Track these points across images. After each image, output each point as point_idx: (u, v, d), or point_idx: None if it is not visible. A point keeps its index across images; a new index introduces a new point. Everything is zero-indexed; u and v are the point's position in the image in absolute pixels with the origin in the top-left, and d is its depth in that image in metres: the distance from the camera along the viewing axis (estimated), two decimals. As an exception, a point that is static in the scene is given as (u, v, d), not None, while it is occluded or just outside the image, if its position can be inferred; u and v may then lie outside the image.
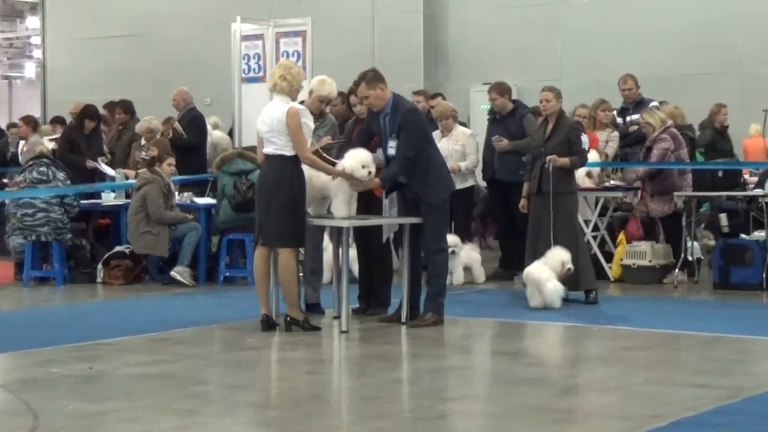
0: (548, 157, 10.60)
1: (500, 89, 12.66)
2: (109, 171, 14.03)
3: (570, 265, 10.32)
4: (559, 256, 10.33)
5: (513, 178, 12.10)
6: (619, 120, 13.52)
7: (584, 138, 11.19)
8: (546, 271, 10.29)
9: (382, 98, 9.40)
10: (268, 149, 9.09)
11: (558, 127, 10.78)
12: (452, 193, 10.70)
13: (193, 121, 14.37)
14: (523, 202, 11.15)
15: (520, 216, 11.60)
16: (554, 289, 10.25)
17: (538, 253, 10.65)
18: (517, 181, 11.85)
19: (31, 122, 16.70)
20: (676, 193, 12.11)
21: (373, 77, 9.45)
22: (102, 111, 15.66)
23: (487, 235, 15.44)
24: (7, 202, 12.89)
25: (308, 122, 9.08)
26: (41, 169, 12.56)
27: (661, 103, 13.39)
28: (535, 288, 10.29)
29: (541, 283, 10.25)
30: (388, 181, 9.40)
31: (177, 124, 14.19)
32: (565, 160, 10.64)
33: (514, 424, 6.23)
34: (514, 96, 13.30)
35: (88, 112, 14.35)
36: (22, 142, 16.16)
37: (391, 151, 9.36)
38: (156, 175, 12.33)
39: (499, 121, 12.67)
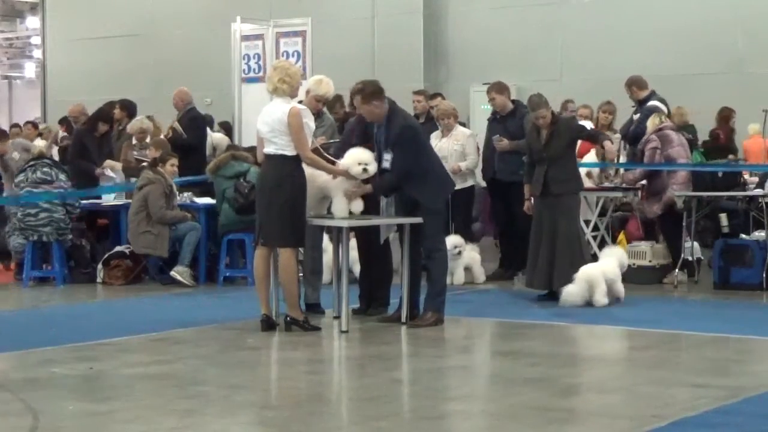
0: (606, 151, 10.85)
1: (498, 87, 12.67)
2: (117, 178, 13.95)
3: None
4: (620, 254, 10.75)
5: (513, 177, 12.09)
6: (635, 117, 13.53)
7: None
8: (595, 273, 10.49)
9: (377, 114, 9.36)
10: (269, 149, 9.09)
11: (556, 132, 10.77)
12: (452, 193, 10.73)
13: (193, 122, 14.35)
14: (527, 204, 11.16)
15: (521, 216, 11.60)
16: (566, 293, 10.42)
17: (540, 255, 10.63)
18: (517, 180, 11.85)
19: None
20: (676, 194, 12.11)
21: (370, 93, 9.37)
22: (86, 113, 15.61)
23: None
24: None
25: (309, 122, 9.08)
26: (45, 169, 12.57)
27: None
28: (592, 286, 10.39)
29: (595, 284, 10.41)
30: (382, 191, 9.46)
31: (176, 124, 14.18)
32: (611, 146, 11.02)
33: (514, 424, 6.23)
34: (513, 96, 13.28)
35: (102, 114, 14.29)
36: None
37: (386, 164, 9.36)
38: (158, 176, 12.33)
39: (499, 121, 12.66)
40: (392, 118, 9.38)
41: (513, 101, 12.78)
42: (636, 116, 13.31)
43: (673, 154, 12.21)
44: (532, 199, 11.04)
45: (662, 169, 12.16)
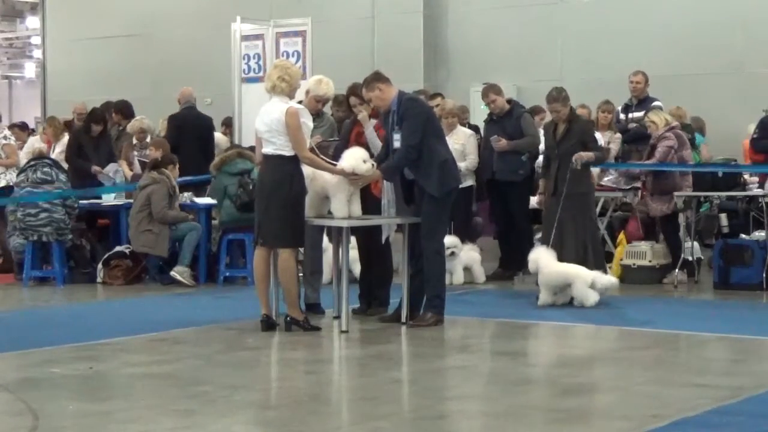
0: (574, 157, 10.58)
1: (496, 89, 12.65)
2: (116, 178, 13.95)
3: None
4: None
5: (512, 177, 12.10)
6: (622, 116, 13.52)
7: (598, 135, 11.17)
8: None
9: (383, 98, 9.37)
10: (267, 149, 9.08)
11: (571, 130, 10.75)
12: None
13: (170, 120, 14.44)
14: (540, 198, 11.12)
15: (520, 215, 11.58)
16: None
17: (564, 253, 10.56)
18: (516, 180, 11.84)
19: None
20: (676, 193, 12.11)
21: (371, 79, 9.46)
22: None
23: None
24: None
25: (307, 122, 9.06)
26: (45, 169, 12.58)
27: None
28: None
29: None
30: (391, 170, 9.35)
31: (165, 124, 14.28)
32: (590, 154, 10.65)
33: (514, 424, 6.23)
34: (514, 96, 13.28)
35: (94, 116, 14.29)
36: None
37: (397, 144, 9.31)
38: (163, 176, 12.35)
39: (495, 121, 12.66)
40: (402, 99, 9.37)
41: (508, 101, 12.79)
42: (637, 114, 13.26)
43: (686, 157, 12.24)
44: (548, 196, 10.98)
45: (673, 170, 12.16)
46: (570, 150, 10.65)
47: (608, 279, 10.51)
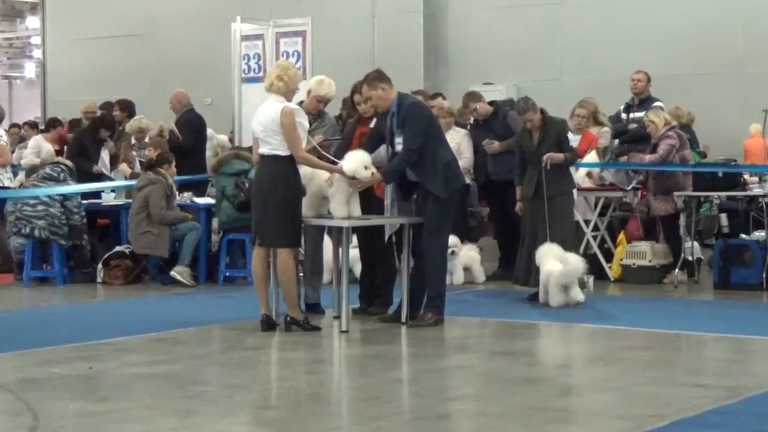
0: (544, 157, 10.60)
1: (475, 96, 12.68)
2: (117, 178, 13.94)
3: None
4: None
5: (510, 176, 12.08)
6: (623, 116, 13.51)
7: (570, 135, 11.22)
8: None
9: (385, 98, 9.37)
10: (264, 149, 9.07)
11: (548, 132, 10.77)
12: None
13: (188, 124, 14.38)
14: (519, 205, 11.15)
15: (518, 217, 11.54)
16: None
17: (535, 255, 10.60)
18: (513, 179, 11.82)
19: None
20: (676, 193, 12.12)
21: (374, 77, 9.45)
22: (99, 112, 15.64)
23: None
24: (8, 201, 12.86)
25: (303, 122, 9.04)
26: (56, 168, 12.58)
27: None
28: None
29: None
30: (391, 174, 9.34)
31: (173, 126, 14.21)
32: (560, 156, 10.66)
33: (513, 424, 6.23)
34: (513, 96, 13.25)
35: (104, 122, 14.32)
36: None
37: (398, 147, 9.32)
38: (159, 176, 12.34)
39: (482, 125, 12.66)
40: (403, 101, 9.38)
41: (490, 103, 12.78)
42: (640, 114, 13.25)
43: (687, 156, 12.25)
44: (525, 201, 10.99)
45: (673, 170, 12.16)
46: (550, 149, 10.69)
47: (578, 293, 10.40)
